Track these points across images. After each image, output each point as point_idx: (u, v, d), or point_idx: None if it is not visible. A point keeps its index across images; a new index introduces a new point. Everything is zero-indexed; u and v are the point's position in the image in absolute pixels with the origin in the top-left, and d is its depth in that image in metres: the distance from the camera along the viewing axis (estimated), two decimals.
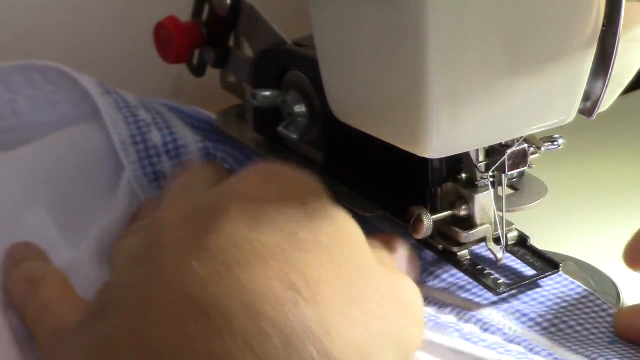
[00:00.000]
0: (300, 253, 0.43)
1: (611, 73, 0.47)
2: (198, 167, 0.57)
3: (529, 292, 0.51)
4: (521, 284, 0.51)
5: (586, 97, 0.48)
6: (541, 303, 0.51)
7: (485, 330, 0.49)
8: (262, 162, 0.50)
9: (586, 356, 0.47)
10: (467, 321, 0.50)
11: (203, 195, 0.48)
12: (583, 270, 0.54)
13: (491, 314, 0.50)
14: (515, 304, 0.51)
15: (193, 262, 0.42)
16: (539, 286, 0.52)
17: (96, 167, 0.62)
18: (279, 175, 0.47)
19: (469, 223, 0.53)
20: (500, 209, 0.52)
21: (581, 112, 0.49)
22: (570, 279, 0.52)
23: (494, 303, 0.51)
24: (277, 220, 0.44)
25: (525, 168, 0.52)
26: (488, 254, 0.53)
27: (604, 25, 0.46)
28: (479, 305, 0.51)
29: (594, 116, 0.49)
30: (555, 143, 0.53)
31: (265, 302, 0.41)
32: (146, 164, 0.62)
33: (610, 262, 0.55)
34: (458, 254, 0.53)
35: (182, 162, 0.61)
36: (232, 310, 0.41)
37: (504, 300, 0.51)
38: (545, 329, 0.49)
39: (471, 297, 0.52)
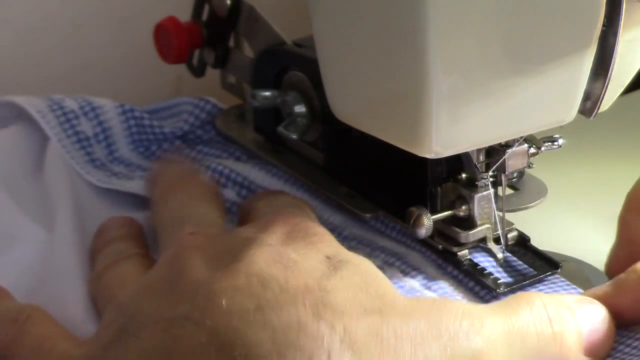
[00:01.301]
0: (329, 294, 0.43)
1: (611, 73, 0.47)
2: (180, 179, 0.57)
3: (532, 289, 0.51)
4: (521, 284, 0.51)
5: (586, 97, 0.48)
6: None
7: None
8: (280, 213, 0.50)
9: None
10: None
11: (223, 239, 0.48)
12: (583, 270, 0.54)
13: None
14: None
15: (223, 300, 0.42)
16: (539, 285, 0.52)
17: (26, 150, 0.63)
18: (302, 230, 0.48)
19: (469, 223, 0.53)
20: (500, 209, 0.52)
21: (581, 112, 0.49)
22: (567, 281, 0.52)
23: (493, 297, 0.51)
24: (303, 266, 0.45)
25: (525, 168, 0.52)
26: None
27: (604, 25, 0.46)
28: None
29: (594, 116, 0.49)
30: (555, 143, 0.53)
31: (298, 339, 0.41)
32: (67, 127, 0.63)
33: None
34: (458, 254, 0.53)
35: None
36: (262, 350, 0.40)
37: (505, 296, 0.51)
38: None
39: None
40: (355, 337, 0.41)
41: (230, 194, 0.60)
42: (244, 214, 0.55)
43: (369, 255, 0.54)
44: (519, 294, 0.48)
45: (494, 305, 0.46)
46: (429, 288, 0.51)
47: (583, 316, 0.46)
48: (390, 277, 0.51)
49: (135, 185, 0.61)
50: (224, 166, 0.61)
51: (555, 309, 0.46)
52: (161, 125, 0.65)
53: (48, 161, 0.62)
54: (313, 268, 0.45)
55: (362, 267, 0.46)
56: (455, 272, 0.53)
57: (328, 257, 0.46)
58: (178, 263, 0.46)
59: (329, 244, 0.47)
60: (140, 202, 0.60)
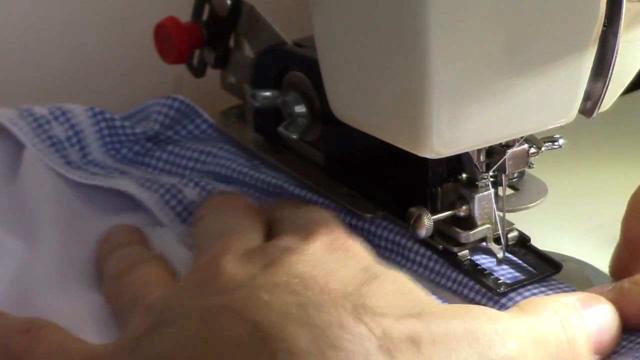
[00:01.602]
0: (369, 298, 0.43)
1: (611, 73, 0.47)
2: (224, 199, 0.57)
3: (531, 289, 0.51)
4: (522, 284, 0.51)
5: (587, 97, 0.48)
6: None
7: None
8: (318, 223, 0.50)
9: None
10: None
11: (262, 247, 0.48)
12: (583, 270, 0.54)
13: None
14: (516, 299, 0.51)
15: (265, 295, 0.42)
16: (541, 285, 0.52)
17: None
18: (341, 243, 0.48)
19: (469, 223, 0.53)
20: (500, 209, 0.52)
21: (582, 112, 0.49)
22: (568, 284, 0.52)
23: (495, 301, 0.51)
24: (342, 275, 0.45)
25: (525, 168, 0.52)
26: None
27: (604, 25, 0.47)
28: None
29: (595, 116, 0.49)
30: (556, 143, 0.53)
31: (338, 340, 0.41)
32: (39, 132, 0.63)
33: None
34: (458, 254, 0.53)
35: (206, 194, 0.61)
36: (303, 347, 0.40)
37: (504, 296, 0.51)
38: None
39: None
40: (393, 340, 0.42)
41: None
42: (267, 220, 0.55)
43: None
44: (531, 299, 0.48)
45: (513, 311, 0.47)
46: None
47: (590, 316, 0.47)
48: None
49: (119, 183, 0.60)
50: (212, 186, 0.61)
51: (565, 314, 0.46)
52: (132, 126, 0.65)
53: (24, 169, 0.61)
54: (352, 276, 0.45)
55: (399, 277, 0.46)
56: (449, 284, 0.53)
57: (365, 268, 0.46)
58: (213, 266, 0.46)
59: (365, 257, 0.48)
60: (124, 203, 0.60)
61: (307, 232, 0.49)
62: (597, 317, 0.47)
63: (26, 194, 0.60)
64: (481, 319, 0.44)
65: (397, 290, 0.45)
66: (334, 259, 0.46)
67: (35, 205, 0.59)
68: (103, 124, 0.65)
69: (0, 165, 0.62)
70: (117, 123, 0.65)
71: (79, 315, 0.51)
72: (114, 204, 0.61)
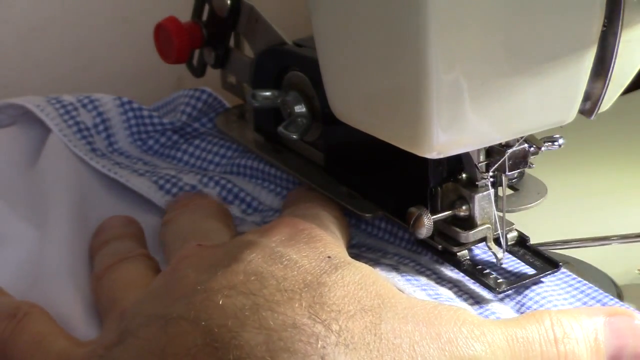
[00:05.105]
0: (328, 290, 0.43)
1: (611, 73, 0.47)
2: (195, 202, 0.58)
3: (533, 287, 0.51)
4: (521, 283, 0.51)
5: (586, 97, 0.48)
6: (544, 298, 0.51)
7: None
8: (288, 217, 0.50)
9: None
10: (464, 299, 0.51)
11: (225, 245, 0.48)
12: (583, 270, 0.54)
13: (491, 304, 0.51)
14: (518, 298, 0.51)
15: (220, 299, 0.42)
16: (541, 282, 0.52)
17: (18, 150, 0.63)
18: (306, 235, 0.48)
19: (469, 223, 0.53)
20: (500, 209, 0.52)
21: (581, 112, 0.49)
22: (573, 275, 0.52)
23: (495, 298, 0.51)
24: (303, 265, 0.45)
25: (525, 168, 0.52)
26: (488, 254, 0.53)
27: (604, 25, 0.46)
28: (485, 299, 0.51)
29: (594, 116, 0.49)
30: (556, 143, 0.53)
31: (292, 343, 0.40)
32: (67, 118, 0.63)
33: (610, 262, 0.55)
34: (458, 254, 0.53)
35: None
36: (256, 353, 0.40)
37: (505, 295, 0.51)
38: None
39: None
40: (352, 335, 0.41)
41: (235, 210, 0.60)
42: None
43: (382, 257, 0.54)
44: (535, 311, 0.47)
45: (502, 319, 0.46)
46: (442, 285, 0.52)
47: (608, 330, 0.45)
48: (405, 274, 0.51)
49: (139, 183, 0.61)
50: (233, 184, 0.61)
51: (565, 327, 0.45)
52: (159, 115, 0.66)
53: (45, 154, 0.61)
54: (313, 266, 0.45)
55: (364, 269, 0.46)
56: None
57: (329, 257, 0.46)
58: (178, 269, 0.46)
59: (333, 248, 0.47)
60: (145, 197, 0.60)
61: (272, 225, 0.49)
62: (617, 332, 0.45)
63: (45, 179, 0.60)
64: (445, 318, 0.44)
65: (358, 281, 0.44)
66: (296, 250, 0.46)
67: (53, 190, 0.59)
68: (130, 114, 0.65)
69: (23, 152, 0.63)
70: (145, 113, 0.65)
71: (84, 301, 0.52)
72: (135, 196, 0.61)
